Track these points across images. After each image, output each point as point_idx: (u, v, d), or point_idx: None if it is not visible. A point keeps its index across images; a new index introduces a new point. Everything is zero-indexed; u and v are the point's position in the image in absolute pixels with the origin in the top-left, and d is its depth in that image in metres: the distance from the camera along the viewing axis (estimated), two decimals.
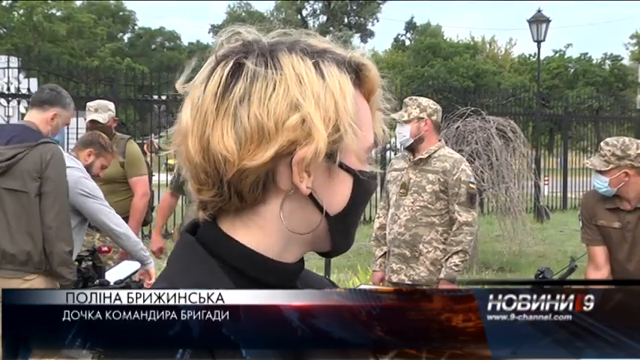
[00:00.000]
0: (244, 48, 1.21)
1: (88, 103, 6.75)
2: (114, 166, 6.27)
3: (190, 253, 1.23)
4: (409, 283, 5.40)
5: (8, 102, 13.74)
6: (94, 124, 6.54)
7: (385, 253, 5.62)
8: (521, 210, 12.31)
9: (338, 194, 1.23)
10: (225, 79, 1.18)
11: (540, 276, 4.29)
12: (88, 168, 5.59)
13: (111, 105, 6.70)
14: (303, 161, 1.17)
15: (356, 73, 1.22)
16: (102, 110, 6.52)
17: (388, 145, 16.33)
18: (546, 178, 21.99)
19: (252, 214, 1.23)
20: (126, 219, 6.43)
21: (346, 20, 67.74)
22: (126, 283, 5.78)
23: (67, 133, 14.90)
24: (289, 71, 1.17)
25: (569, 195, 22.20)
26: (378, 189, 5.97)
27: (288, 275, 1.26)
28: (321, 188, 1.21)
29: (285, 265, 1.25)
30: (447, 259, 5.32)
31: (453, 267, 5.31)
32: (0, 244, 4.79)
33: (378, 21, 69.06)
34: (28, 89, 13.81)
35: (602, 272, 4.91)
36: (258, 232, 1.23)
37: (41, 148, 4.88)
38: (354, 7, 67.53)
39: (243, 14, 65.87)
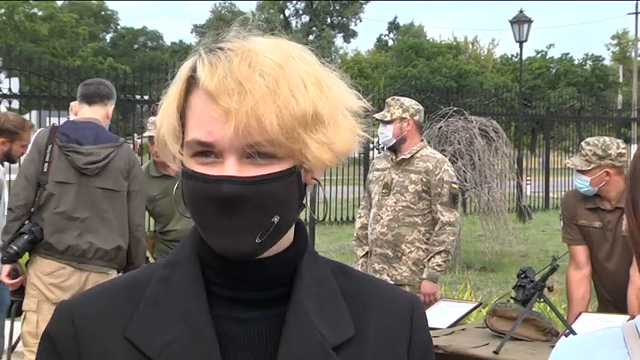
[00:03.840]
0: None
1: None
2: None
3: (188, 235, 1.29)
4: (392, 283, 5.40)
5: None
6: None
7: (367, 252, 5.62)
8: (503, 210, 12.35)
9: None
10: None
11: (522, 275, 4.31)
12: (9, 155, 5.69)
13: None
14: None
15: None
16: None
17: (372, 145, 16.34)
18: (528, 178, 22.08)
19: None
20: None
21: (329, 20, 67.72)
22: None
23: None
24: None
25: (551, 195, 22.30)
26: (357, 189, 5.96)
27: (231, 267, 1.23)
28: None
29: (224, 258, 1.22)
30: (429, 259, 5.33)
31: (436, 267, 5.32)
32: (95, 243, 4.97)
33: (360, 21, 69.14)
34: (10, 89, 13.73)
35: (583, 271, 4.93)
36: None
37: (125, 147, 5.14)
38: (337, 7, 67.50)
39: (227, 14, 65.72)
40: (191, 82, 1.19)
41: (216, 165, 1.17)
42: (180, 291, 1.21)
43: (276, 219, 1.18)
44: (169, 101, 1.21)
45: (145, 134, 5.91)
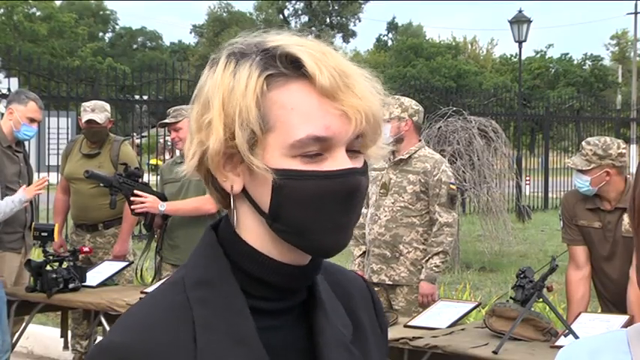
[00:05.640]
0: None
1: (84, 104, 6.62)
2: (108, 168, 6.21)
3: (206, 249, 1.23)
4: (390, 283, 5.39)
5: None
6: (90, 125, 6.41)
7: (363, 252, 5.61)
8: (502, 210, 12.34)
9: (264, 194, 1.16)
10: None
11: (521, 275, 4.31)
12: None
13: (107, 106, 6.58)
14: (213, 162, 1.17)
15: (297, 66, 1.16)
16: (99, 110, 6.40)
17: None
18: (528, 178, 22.07)
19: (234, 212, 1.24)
20: (119, 220, 6.38)
21: (328, 20, 67.72)
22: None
23: (48, 133, 14.87)
24: (217, 73, 1.18)
25: (550, 195, 22.29)
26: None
27: (293, 277, 1.22)
28: (250, 188, 1.18)
29: (289, 266, 1.21)
30: (427, 260, 5.32)
31: (434, 268, 5.31)
32: None
33: (360, 21, 69.17)
34: (9, 89, 13.72)
35: (582, 272, 4.93)
36: (248, 230, 1.22)
37: None
38: (336, 7, 67.49)
39: (224, 15, 65.69)
40: (272, 78, 1.15)
41: (323, 161, 1.15)
42: (226, 313, 1.16)
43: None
44: (238, 104, 1.14)
45: (168, 120, 5.89)
